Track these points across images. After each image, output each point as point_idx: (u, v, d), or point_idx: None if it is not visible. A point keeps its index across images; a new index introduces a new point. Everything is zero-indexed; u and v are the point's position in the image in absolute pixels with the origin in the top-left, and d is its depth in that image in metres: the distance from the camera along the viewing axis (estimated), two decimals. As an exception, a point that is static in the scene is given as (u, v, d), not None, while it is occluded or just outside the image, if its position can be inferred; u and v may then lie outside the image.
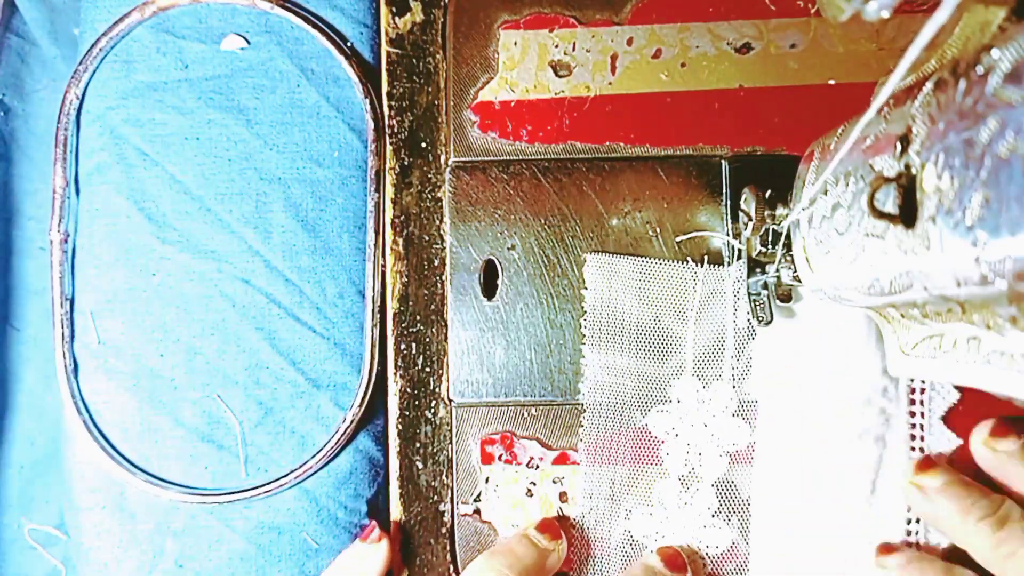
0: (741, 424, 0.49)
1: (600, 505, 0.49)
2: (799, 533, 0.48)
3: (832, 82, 0.50)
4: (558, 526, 0.49)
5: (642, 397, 0.50)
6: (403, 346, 0.52)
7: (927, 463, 0.45)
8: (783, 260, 0.44)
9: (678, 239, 0.50)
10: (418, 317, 0.52)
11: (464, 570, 0.47)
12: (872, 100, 0.29)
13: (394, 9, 0.54)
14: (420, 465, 0.51)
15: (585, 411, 0.50)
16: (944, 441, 0.47)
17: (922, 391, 0.47)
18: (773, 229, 0.44)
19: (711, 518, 0.49)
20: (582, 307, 0.50)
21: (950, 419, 0.47)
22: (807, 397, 0.48)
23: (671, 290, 0.50)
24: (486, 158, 0.52)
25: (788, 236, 0.43)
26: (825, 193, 0.36)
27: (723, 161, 0.50)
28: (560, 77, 0.52)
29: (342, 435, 0.51)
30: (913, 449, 0.47)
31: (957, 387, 0.47)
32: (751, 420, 0.49)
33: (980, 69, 0.25)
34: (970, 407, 0.47)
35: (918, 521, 0.47)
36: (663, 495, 0.49)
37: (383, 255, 0.53)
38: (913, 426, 0.47)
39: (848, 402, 0.47)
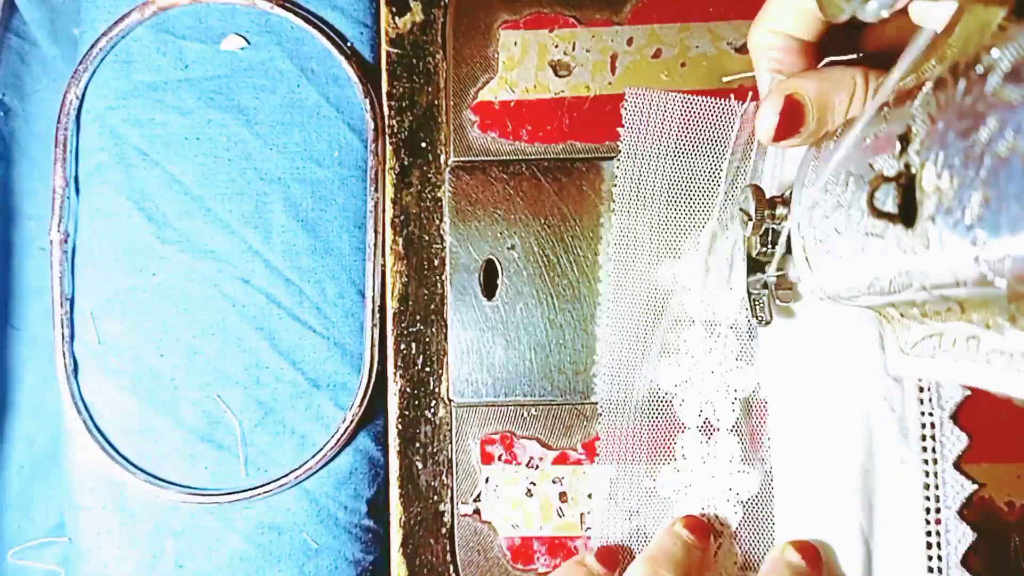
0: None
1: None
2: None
3: (832, 82, 0.50)
4: (707, 527, 0.48)
5: (661, 249, 0.49)
6: (403, 346, 0.52)
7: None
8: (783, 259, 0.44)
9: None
10: (418, 317, 0.52)
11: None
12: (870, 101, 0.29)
13: (394, 9, 0.54)
14: (420, 465, 0.51)
15: (603, 267, 0.50)
16: (955, 440, 0.47)
17: (929, 388, 0.47)
18: (773, 228, 0.44)
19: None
20: (582, 307, 0.50)
21: (960, 417, 0.47)
22: (812, 397, 0.48)
23: (710, 126, 0.49)
24: (486, 158, 0.52)
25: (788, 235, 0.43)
26: (825, 192, 0.36)
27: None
28: (560, 77, 0.52)
29: (342, 435, 0.51)
30: (926, 462, 0.46)
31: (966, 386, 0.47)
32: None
33: (980, 68, 0.25)
34: (980, 403, 0.46)
35: (938, 521, 0.46)
36: (690, 344, 0.49)
37: (383, 255, 0.53)
38: (924, 437, 0.47)
39: (852, 402, 0.47)
